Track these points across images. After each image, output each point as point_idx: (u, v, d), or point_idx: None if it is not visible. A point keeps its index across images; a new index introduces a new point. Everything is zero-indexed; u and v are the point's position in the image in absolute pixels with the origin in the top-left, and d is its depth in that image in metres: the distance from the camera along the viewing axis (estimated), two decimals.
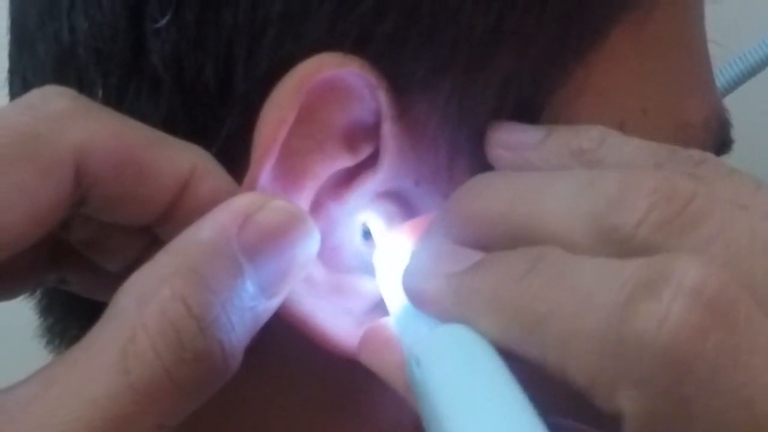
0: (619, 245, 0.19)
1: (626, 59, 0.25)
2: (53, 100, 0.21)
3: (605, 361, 0.17)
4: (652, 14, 0.25)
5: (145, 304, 0.19)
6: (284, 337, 0.24)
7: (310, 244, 0.22)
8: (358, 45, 0.22)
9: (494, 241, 0.21)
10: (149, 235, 0.24)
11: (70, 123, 0.21)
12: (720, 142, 0.28)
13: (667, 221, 0.18)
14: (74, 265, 0.26)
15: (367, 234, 0.25)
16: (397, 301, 0.23)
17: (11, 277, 0.25)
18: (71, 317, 0.28)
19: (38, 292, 0.29)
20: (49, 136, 0.21)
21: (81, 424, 0.18)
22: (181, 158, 0.22)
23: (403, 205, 0.24)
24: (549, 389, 0.19)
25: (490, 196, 0.22)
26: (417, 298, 0.22)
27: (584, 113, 0.25)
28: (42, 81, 0.25)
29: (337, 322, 0.24)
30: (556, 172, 0.22)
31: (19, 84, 0.27)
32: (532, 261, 0.20)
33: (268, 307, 0.21)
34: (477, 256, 0.21)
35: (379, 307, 0.24)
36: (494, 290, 0.20)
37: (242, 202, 0.21)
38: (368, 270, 0.25)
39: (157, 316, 0.19)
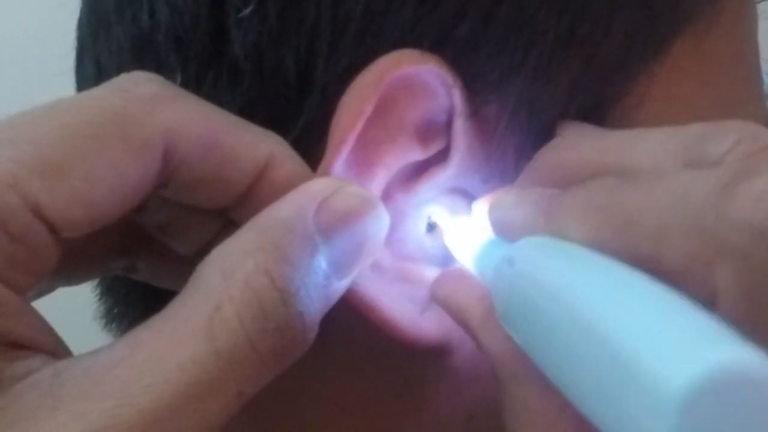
0: None
1: (687, 71, 0.27)
2: (143, 85, 0.23)
3: (703, 242, 0.18)
4: (714, 28, 0.27)
5: (230, 275, 0.21)
6: (347, 326, 0.25)
7: (380, 229, 0.24)
8: (435, 45, 0.24)
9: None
10: (223, 219, 0.25)
11: (160, 107, 0.23)
12: None
13: (754, 153, 0.19)
14: (144, 251, 0.27)
15: (430, 228, 0.26)
16: (473, 246, 0.24)
17: (82, 262, 0.26)
18: (131, 301, 0.30)
19: None
20: (140, 118, 0.22)
21: (167, 386, 0.19)
22: (261, 144, 0.24)
23: (470, 202, 0.26)
24: None
25: (578, 144, 0.23)
26: (505, 225, 0.23)
27: (645, 122, 0.26)
28: (118, 64, 0.27)
29: (400, 308, 0.25)
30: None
31: (93, 66, 0.29)
32: (622, 178, 0.21)
33: (338, 287, 0.23)
34: None
35: None
36: (586, 200, 0.21)
37: (319, 185, 0.23)
38: (432, 261, 0.26)
39: (242, 287, 0.21)
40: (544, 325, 0.19)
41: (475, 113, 0.25)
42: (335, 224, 0.22)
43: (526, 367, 0.21)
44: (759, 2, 0.30)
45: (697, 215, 0.18)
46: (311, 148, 0.25)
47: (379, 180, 0.25)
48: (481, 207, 0.25)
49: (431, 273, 0.26)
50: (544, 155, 0.24)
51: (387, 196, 0.25)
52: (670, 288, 0.18)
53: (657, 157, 0.21)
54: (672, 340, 0.15)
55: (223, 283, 0.21)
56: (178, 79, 0.26)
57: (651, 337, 0.16)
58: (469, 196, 0.26)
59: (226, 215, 0.25)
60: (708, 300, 0.18)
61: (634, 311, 0.17)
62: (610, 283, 0.18)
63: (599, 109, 0.26)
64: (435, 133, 0.25)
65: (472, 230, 0.25)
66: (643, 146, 0.22)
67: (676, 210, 0.19)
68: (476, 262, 0.24)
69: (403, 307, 0.25)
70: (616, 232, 0.20)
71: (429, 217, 0.26)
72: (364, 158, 0.25)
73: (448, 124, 0.25)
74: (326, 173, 0.24)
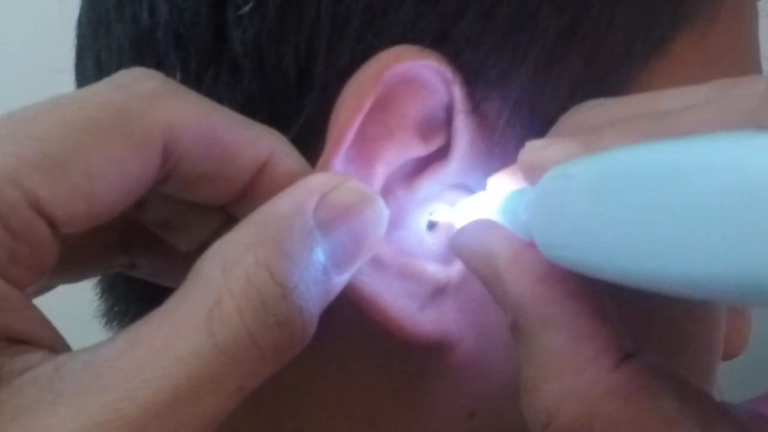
0: None
1: (687, 68, 0.27)
2: (144, 81, 0.23)
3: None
4: (714, 26, 0.27)
5: (230, 269, 0.21)
6: (347, 322, 0.25)
7: (379, 225, 0.24)
8: (436, 41, 0.25)
9: None
10: (223, 215, 0.25)
11: (160, 103, 0.23)
12: None
13: None
14: (144, 248, 0.27)
15: (432, 224, 0.26)
16: (496, 201, 0.24)
17: (83, 258, 0.26)
18: (132, 299, 0.30)
19: None
20: (140, 113, 0.22)
21: (167, 380, 0.19)
22: (261, 141, 0.24)
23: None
24: None
25: (603, 104, 0.23)
26: (539, 163, 0.22)
27: None
28: (118, 62, 0.27)
29: (400, 304, 0.25)
30: None
31: (93, 64, 0.29)
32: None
33: (338, 282, 0.23)
34: None
35: (443, 293, 0.26)
36: (629, 127, 0.20)
37: (318, 181, 0.23)
38: (433, 258, 0.26)
39: (242, 281, 0.21)
40: (622, 213, 0.18)
41: (476, 109, 0.25)
42: (334, 219, 0.23)
43: (558, 310, 0.21)
44: None
45: (753, 112, 0.18)
46: (312, 144, 0.25)
47: (380, 176, 0.25)
48: (497, 180, 0.25)
49: (432, 269, 0.26)
50: (569, 117, 0.24)
51: (388, 191, 0.25)
52: None
53: (686, 100, 0.20)
54: None
55: (223, 277, 0.21)
56: (178, 77, 0.26)
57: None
58: (470, 193, 0.26)
59: (227, 211, 0.25)
60: None
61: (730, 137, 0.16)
62: (687, 140, 0.17)
63: None
64: (436, 129, 0.25)
65: (486, 199, 0.25)
66: (671, 95, 0.21)
67: (728, 115, 0.18)
68: (502, 213, 0.24)
69: (404, 303, 0.25)
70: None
71: (431, 214, 0.26)
72: (364, 154, 0.25)
73: (449, 120, 0.25)
74: (325, 169, 0.24)
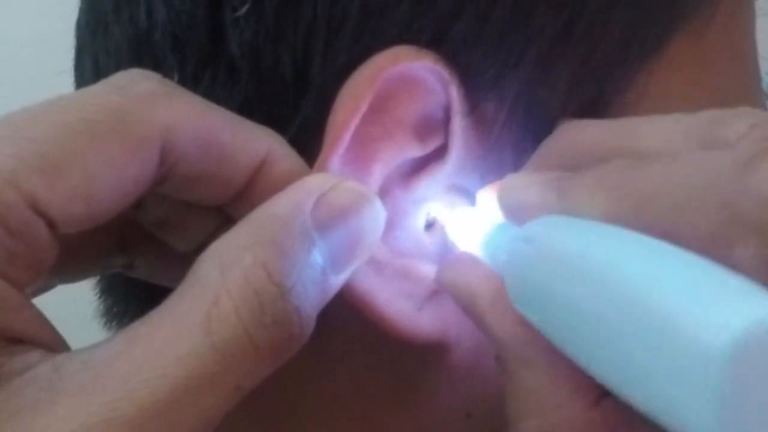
0: None
1: (684, 68, 0.27)
2: (141, 82, 0.23)
3: (723, 218, 0.18)
4: (710, 26, 0.27)
5: (227, 270, 0.21)
6: (345, 323, 0.26)
7: (376, 225, 0.24)
8: (432, 42, 0.25)
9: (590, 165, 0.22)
10: (221, 215, 0.25)
11: (157, 104, 0.23)
12: None
13: None
14: (142, 248, 0.27)
15: (429, 225, 0.26)
16: (480, 232, 0.24)
17: (81, 259, 0.27)
18: (131, 299, 0.30)
19: None
20: (138, 115, 0.22)
21: (165, 380, 0.20)
22: (258, 141, 0.24)
23: (469, 200, 0.26)
24: None
25: (584, 130, 0.23)
26: (516, 206, 0.23)
27: None
28: (116, 64, 0.27)
29: (397, 304, 0.25)
30: None
31: (91, 66, 0.29)
32: (633, 160, 0.21)
33: (335, 282, 0.23)
34: None
35: (440, 293, 0.26)
36: (599, 180, 0.21)
37: (316, 181, 0.23)
38: (430, 258, 0.26)
39: (239, 282, 0.21)
40: (568, 300, 0.19)
41: (472, 110, 0.25)
42: (332, 220, 0.23)
43: (536, 351, 0.21)
44: None
45: (716, 191, 0.18)
46: (309, 145, 0.25)
47: (377, 176, 0.25)
48: (486, 195, 0.25)
49: (429, 270, 0.26)
50: (550, 142, 0.24)
51: (385, 192, 0.26)
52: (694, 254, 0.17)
53: (668, 140, 0.21)
54: (711, 298, 0.15)
55: (220, 278, 0.21)
56: (176, 78, 0.26)
57: (689, 296, 0.16)
58: (467, 193, 0.26)
59: (224, 212, 0.25)
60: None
61: (667, 273, 0.17)
62: (637, 250, 0.18)
63: (597, 106, 0.26)
64: (433, 130, 0.26)
65: (477, 218, 0.25)
66: (652, 129, 0.21)
67: (694, 186, 0.18)
68: (485, 247, 0.24)
69: (401, 303, 0.25)
70: (632, 210, 0.19)
71: (428, 214, 0.26)
72: (361, 154, 0.25)
73: (446, 121, 0.25)
74: (323, 169, 0.24)
